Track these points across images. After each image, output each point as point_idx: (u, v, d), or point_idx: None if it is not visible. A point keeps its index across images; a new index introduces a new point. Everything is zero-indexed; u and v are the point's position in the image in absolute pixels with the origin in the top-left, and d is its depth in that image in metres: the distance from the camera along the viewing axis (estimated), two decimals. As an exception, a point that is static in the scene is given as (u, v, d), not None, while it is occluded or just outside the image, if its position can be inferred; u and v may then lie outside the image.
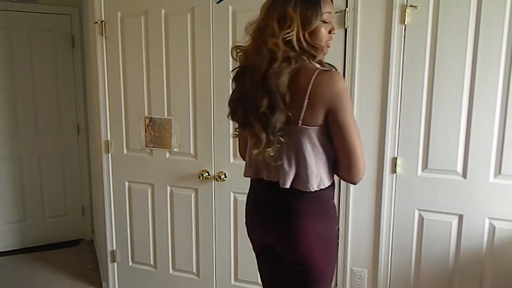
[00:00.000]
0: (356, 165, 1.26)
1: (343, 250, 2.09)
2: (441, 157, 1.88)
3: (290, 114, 1.23)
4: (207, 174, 2.24)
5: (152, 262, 2.51)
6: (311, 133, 1.26)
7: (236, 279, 2.33)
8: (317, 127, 1.26)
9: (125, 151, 2.43)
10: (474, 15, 1.74)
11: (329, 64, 1.33)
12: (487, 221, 1.86)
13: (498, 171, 1.81)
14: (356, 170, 1.27)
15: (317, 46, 1.26)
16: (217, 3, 2.08)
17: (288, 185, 1.30)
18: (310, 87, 1.22)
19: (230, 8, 2.07)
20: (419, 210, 1.96)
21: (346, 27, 1.90)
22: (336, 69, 1.30)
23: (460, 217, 1.89)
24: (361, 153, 1.26)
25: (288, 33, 1.21)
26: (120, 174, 2.47)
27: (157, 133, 2.33)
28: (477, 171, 1.83)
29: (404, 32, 1.86)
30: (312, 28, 1.23)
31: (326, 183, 1.33)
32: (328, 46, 1.32)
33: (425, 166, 1.92)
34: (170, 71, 2.24)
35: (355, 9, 1.88)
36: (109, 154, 2.46)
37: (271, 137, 1.24)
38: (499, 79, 1.75)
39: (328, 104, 1.22)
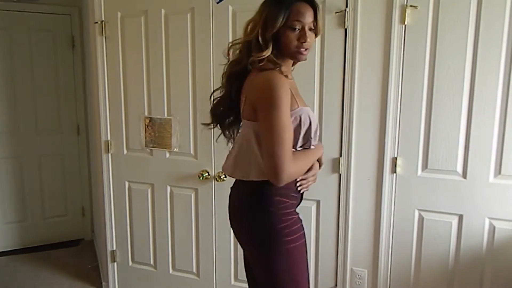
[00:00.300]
0: (273, 166, 1.24)
1: (343, 250, 2.09)
2: (441, 157, 1.88)
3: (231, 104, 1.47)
4: (207, 174, 2.24)
5: (152, 262, 2.51)
6: (250, 126, 1.37)
7: (236, 279, 2.33)
8: (255, 122, 1.33)
9: (125, 151, 2.43)
10: (474, 15, 1.75)
11: (277, 64, 1.35)
12: (487, 221, 1.86)
13: (498, 171, 1.81)
14: (273, 171, 1.25)
15: (283, 49, 1.34)
16: (217, 3, 2.08)
17: (225, 170, 1.48)
18: (247, 85, 1.37)
19: (230, 8, 2.07)
20: (419, 210, 1.96)
21: (346, 27, 1.90)
22: (279, 69, 1.33)
23: (460, 217, 1.89)
24: (280, 155, 1.24)
25: (249, 35, 1.34)
26: (120, 174, 2.47)
27: (157, 133, 2.33)
28: (477, 171, 1.83)
29: (404, 32, 1.86)
30: (273, 32, 1.31)
31: (260, 177, 1.35)
32: (300, 53, 1.36)
33: (425, 166, 1.92)
34: (170, 71, 2.24)
35: (355, 9, 1.88)
36: (109, 154, 2.47)
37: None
38: (499, 79, 1.75)
39: (255, 101, 1.31)
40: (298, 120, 1.33)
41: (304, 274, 1.43)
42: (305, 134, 1.37)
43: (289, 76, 1.38)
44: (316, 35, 1.38)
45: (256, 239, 1.39)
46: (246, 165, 1.39)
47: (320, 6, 1.38)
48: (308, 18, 1.32)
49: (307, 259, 1.45)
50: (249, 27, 1.37)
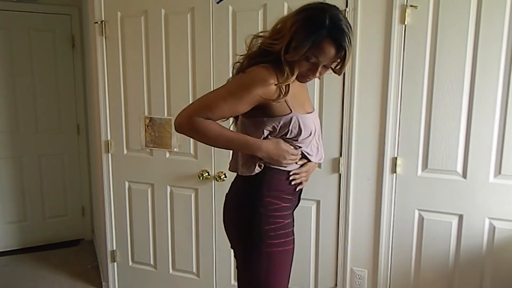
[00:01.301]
0: (184, 110, 1.33)
1: (343, 250, 2.09)
2: (441, 157, 1.88)
3: None
4: (207, 174, 2.24)
5: (152, 262, 2.51)
6: (240, 120, 1.42)
7: (236, 279, 2.33)
8: (244, 117, 1.38)
9: (125, 151, 2.43)
10: (474, 15, 1.75)
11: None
12: (487, 221, 1.86)
13: (498, 171, 1.81)
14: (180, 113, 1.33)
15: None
16: (217, 3, 2.08)
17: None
18: None
19: (230, 8, 2.07)
20: (419, 210, 1.96)
21: (346, 27, 1.90)
22: (267, 66, 1.28)
23: (460, 217, 1.89)
24: (190, 106, 1.32)
25: (272, 44, 1.26)
26: (120, 174, 2.47)
27: (157, 133, 2.33)
28: (477, 171, 1.83)
29: (404, 32, 1.86)
30: (293, 59, 1.24)
31: (244, 171, 1.38)
32: (304, 79, 1.33)
33: (425, 166, 1.92)
34: (170, 71, 2.24)
35: (355, 9, 1.88)
36: (109, 154, 2.46)
37: None
38: (499, 79, 1.75)
39: None
40: (288, 125, 1.32)
41: (282, 281, 1.41)
42: (289, 139, 1.35)
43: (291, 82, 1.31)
44: (337, 74, 1.33)
45: (240, 236, 1.40)
46: (237, 158, 1.42)
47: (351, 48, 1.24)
48: (329, 58, 1.25)
49: (290, 268, 1.44)
50: (277, 28, 1.28)
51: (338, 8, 1.25)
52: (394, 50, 1.86)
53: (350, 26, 1.23)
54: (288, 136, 1.34)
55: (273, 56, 1.26)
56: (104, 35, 2.33)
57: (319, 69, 1.27)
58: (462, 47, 1.78)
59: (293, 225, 1.53)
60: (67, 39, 3.30)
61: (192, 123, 1.29)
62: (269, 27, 2.02)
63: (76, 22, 3.30)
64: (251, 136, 1.35)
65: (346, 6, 1.89)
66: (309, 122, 1.36)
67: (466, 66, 1.78)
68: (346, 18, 1.24)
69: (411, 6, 1.82)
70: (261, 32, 1.36)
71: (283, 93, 1.28)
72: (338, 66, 1.29)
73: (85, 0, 2.72)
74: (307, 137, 1.37)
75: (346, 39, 1.20)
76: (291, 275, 1.48)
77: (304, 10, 1.24)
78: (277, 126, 1.32)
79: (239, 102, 1.28)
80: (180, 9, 2.17)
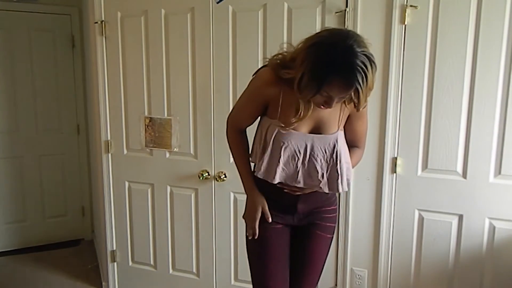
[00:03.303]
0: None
1: (343, 250, 2.09)
2: (441, 157, 1.88)
3: None
4: (207, 174, 2.24)
5: (152, 262, 2.51)
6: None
7: (236, 279, 2.33)
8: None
9: (125, 151, 2.43)
10: (474, 15, 1.75)
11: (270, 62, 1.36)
12: (487, 221, 1.86)
13: (498, 171, 1.81)
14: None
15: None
16: (217, 3, 2.08)
17: None
18: None
19: (230, 8, 2.07)
20: (419, 210, 1.96)
21: (346, 27, 1.90)
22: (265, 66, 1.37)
23: (460, 217, 1.89)
24: (234, 112, 1.50)
25: (285, 73, 1.26)
26: (120, 174, 2.47)
27: (157, 133, 2.33)
28: (477, 171, 1.83)
29: (404, 32, 1.86)
30: (304, 98, 1.25)
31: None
32: (319, 107, 1.29)
33: (425, 166, 1.92)
34: (170, 71, 2.24)
35: (355, 9, 1.88)
36: (109, 154, 2.46)
37: None
38: (499, 79, 1.75)
39: None
40: (266, 129, 1.39)
41: (257, 266, 1.53)
42: (263, 147, 1.40)
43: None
44: (356, 109, 1.27)
45: None
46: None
47: (366, 82, 1.15)
48: (341, 95, 1.19)
49: (264, 259, 1.51)
50: (292, 55, 1.26)
51: (355, 36, 1.16)
52: (394, 50, 1.86)
53: (368, 59, 1.13)
54: (261, 141, 1.41)
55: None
56: (104, 35, 2.33)
57: (333, 102, 1.22)
58: (462, 47, 1.78)
59: (279, 224, 1.50)
60: (67, 39, 3.30)
61: (228, 134, 1.52)
62: (270, 27, 2.03)
63: (76, 22, 3.30)
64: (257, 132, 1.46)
65: (346, 6, 1.89)
66: (287, 139, 1.33)
67: (466, 66, 1.78)
68: (364, 50, 1.14)
69: (411, 6, 1.82)
70: (285, 51, 1.32)
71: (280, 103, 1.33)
72: (355, 103, 1.22)
73: (85, 0, 2.72)
74: (280, 153, 1.35)
75: (359, 77, 1.11)
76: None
77: (315, 45, 1.16)
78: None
79: (251, 106, 1.41)
80: (180, 9, 2.17)
